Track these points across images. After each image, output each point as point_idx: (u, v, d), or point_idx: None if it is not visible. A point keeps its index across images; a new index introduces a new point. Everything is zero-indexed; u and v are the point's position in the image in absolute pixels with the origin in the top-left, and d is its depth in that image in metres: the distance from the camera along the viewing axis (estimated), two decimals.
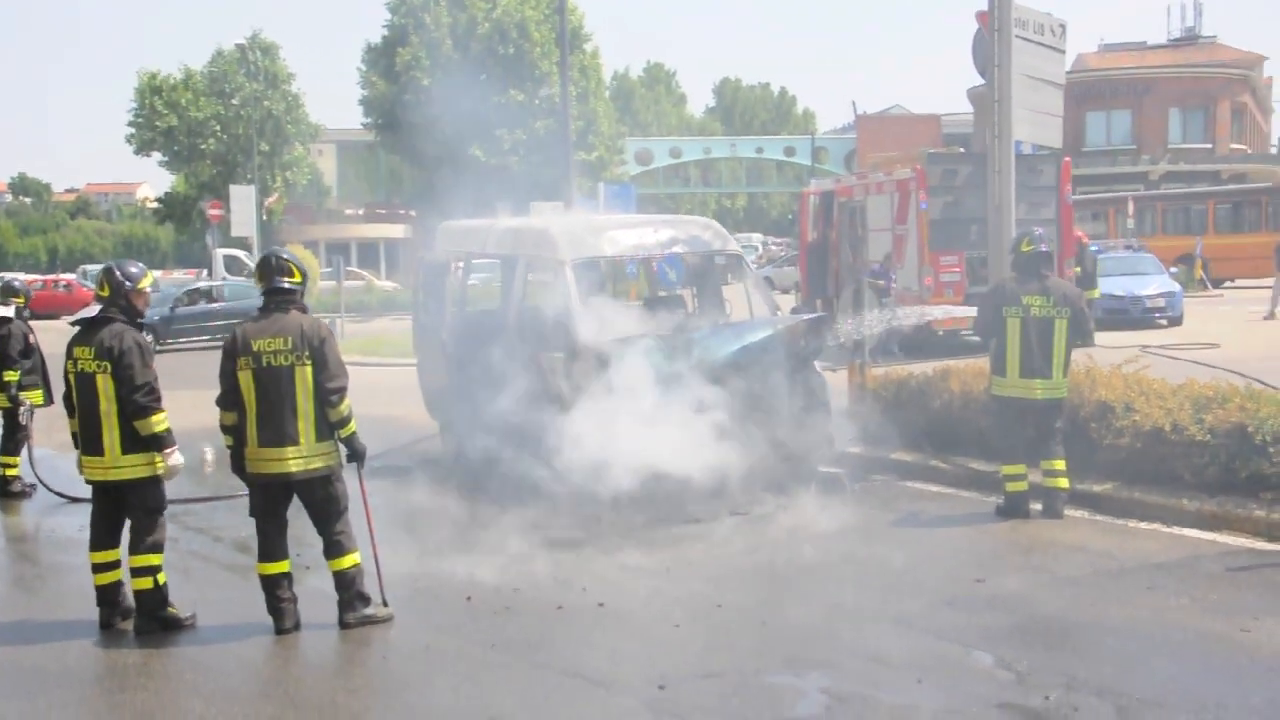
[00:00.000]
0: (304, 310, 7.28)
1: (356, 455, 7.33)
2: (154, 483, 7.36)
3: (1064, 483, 9.21)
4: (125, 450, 7.21)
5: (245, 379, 7.08)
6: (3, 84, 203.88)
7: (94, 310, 7.44)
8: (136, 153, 57.74)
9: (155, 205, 70.33)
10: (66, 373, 7.36)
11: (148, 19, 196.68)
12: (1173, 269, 28.49)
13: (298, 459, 7.04)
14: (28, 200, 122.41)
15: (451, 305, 12.64)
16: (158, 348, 26.77)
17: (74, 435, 7.46)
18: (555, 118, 56.47)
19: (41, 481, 11.59)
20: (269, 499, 7.21)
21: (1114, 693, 5.76)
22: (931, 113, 66.85)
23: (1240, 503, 8.71)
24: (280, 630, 7.08)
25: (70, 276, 55.49)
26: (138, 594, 7.28)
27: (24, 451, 11.88)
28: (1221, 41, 60.36)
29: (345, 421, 7.18)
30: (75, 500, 11.04)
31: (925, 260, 20.62)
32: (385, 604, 7.30)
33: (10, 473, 11.84)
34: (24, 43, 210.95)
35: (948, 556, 8.41)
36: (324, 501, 7.19)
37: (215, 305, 32.35)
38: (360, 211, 65.78)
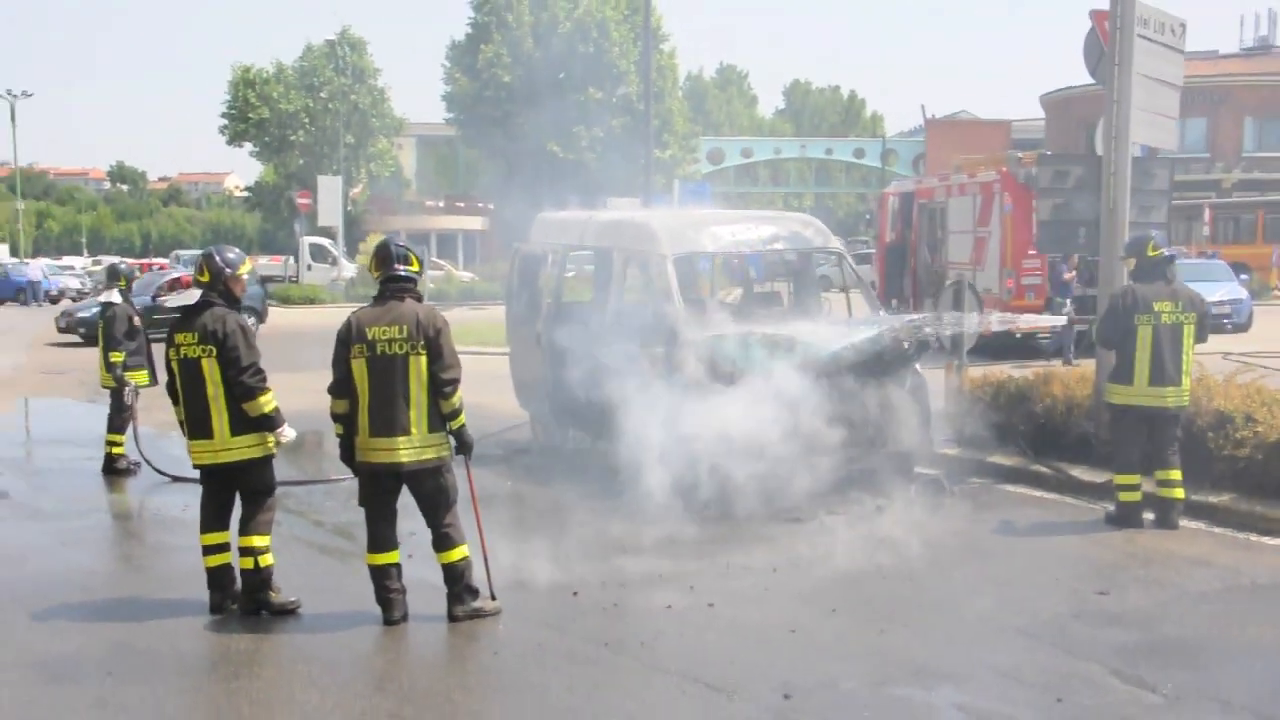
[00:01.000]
0: (419, 299, 6.95)
1: (465, 447, 6.99)
2: (264, 463, 7.12)
3: (1180, 493, 8.69)
4: (235, 432, 6.95)
5: (359, 367, 6.76)
6: (104, 77, 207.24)
7: (194, 296, 7.17)
8: (229, 143, 58.34)
9: (244, 194, 71.05)
10: (169, 360, 7.10)
11: (240, 14, 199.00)
12: (1243, 276, 27.76)
13: (409, 449, 6.71)
14: (124, 187, 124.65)
15: (547, 297, 12.30)
16: None
17: (181, 422, 7.21)
18: (632, 115, 56.48)
19: (146, 459, 11.46)
20: (379, 489, 6.89)
21: None
22: (1001, 118, 65.62)
23: None
24: (389, 621, 6.77)
25: (163, 261, 56.14)
26: (243, 574, 7.03)
27: (129, 430, 11.74)
28: None
29: (457, 413, 6.83)
30: (178, 479, 10.90)
31: (1008, 262, 20.07)
32: (493, 597, 6.97)
33: (116, 450, 11.69)
34: (123, 37, 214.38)
35: (1063, 566, 7.92)
36: (434, 493, 6.86)
37: None
38: (440, 204, 65.67)
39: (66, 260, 65.56)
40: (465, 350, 24.42)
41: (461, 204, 64.77)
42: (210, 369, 6.91)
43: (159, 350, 11.30)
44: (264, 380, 6.99)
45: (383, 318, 6.75)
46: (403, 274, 6.87)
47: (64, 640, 6.70)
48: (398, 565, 6.86)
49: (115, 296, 11.99)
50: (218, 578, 7.12)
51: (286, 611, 7.04)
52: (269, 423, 6.98)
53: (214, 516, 7.14)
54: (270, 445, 7.06)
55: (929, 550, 8.16)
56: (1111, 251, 10.14)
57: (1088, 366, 11.02)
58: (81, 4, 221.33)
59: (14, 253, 62.96)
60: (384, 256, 6.93)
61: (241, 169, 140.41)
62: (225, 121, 57.91)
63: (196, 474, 7.40)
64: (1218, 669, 5.98)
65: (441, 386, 6.73)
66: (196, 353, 6.93)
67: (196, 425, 7.00)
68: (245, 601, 7.03)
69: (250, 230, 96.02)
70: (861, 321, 10.17)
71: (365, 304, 7.08)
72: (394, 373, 6.68)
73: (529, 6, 56.98)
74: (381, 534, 6.85)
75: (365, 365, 6.72)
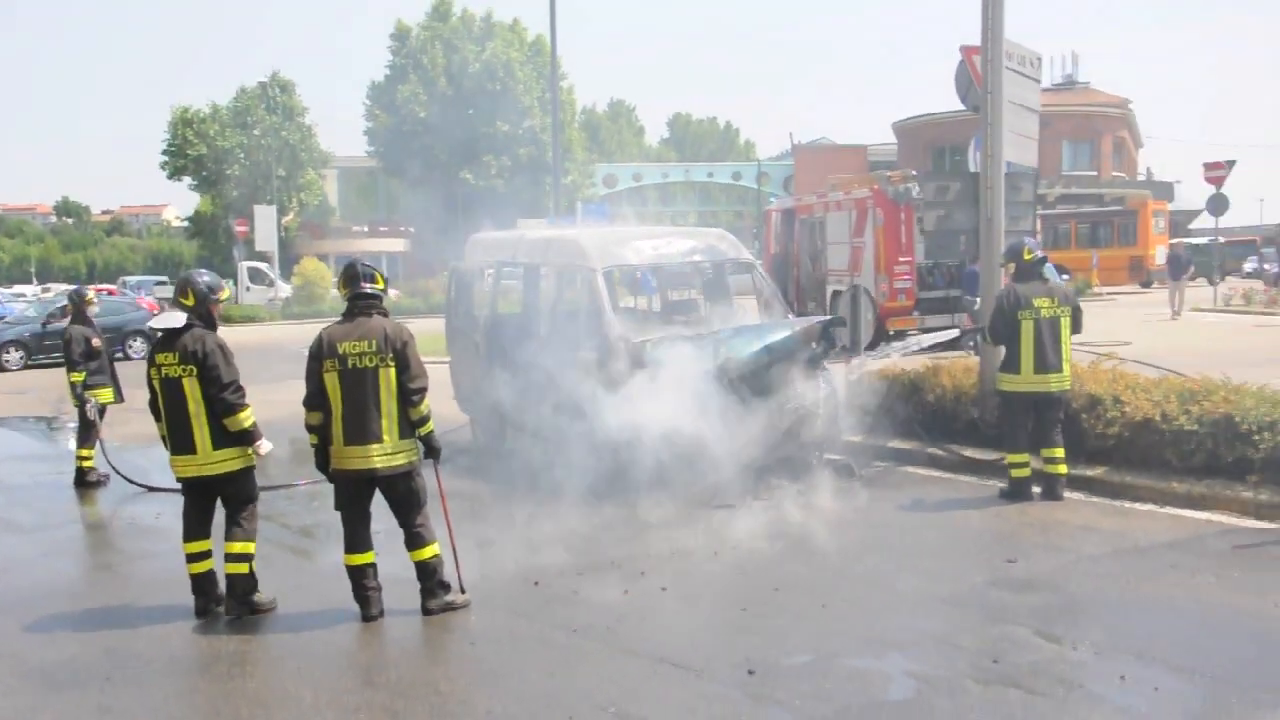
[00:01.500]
0: (385, 314, 6.59)
1: (434, 452, 6.66)
2: (247, 474, 6.69)
3: (1063, 469, 8.69)
4: (216, 446, 6.52)
5: (331, 380, 6.39)
6: (48, 117, 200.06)
7: (179, 319, 6.66)
8: (170, 178, 56.53)
9: (184, 224, 68.96)
10: (150, 379, 6.62)
11: (176, 58, 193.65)
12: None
13: (382, 455, 6.36)
14: (69, 220, 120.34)
15: (485, 309, 11.93)
16: (29, 363, 24.54)
17: (163, 438, 6.72)
18: (535, 145, 56.16)
19: (117, 471, 10.84)
20: (354, 494, 6.52)
21: (1184, 670, 5.20)
22: (857, 143, 66.40)
23: (1227, 485, 8.24)
24: (367, 617, 6.40)
25: (112, 287, 54.14)
26: (231, 579, 6.58)
27: (97, 444, 11.10)
28: (1094, 87, 60.45)
29: (425, 420, 6.49)
30: (152, 490, 10.37)
31: (882, 268, 20.15)
32: (463, 590, 6.64)
33: (86, 464, 11.04)
34: (66, 80, 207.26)
35: (971, 538, 7.84)
36: (406, 495, 6.51)
37: None
38: (365, 228, 64.48)
39: (17, 289, 62.98)
40: None
41: (384, 228, 63.66)
42: (191, 387, 6.47)
43: (124, 369, 10.86)
44: (243, 396, 6.57)
45: (353, 333, 6.40)
46: (369, 292, 6.53)
47: (59, 648, 6.21)
48: (373, 564, 6.49)
49: (64, 323, 11.42)
50: (201, 584, 6.68)
51: (265, 611, 6.63)
52: (248, 437, 6.57)
53: (197, 525, 6.68)
54: (251, 457, 6.64)
55: (850, 529, 8.03)
56: (991, 256, 10.14)
57: (971, 360, 11.00)
58: (21, 50, 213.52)
59: None
60: (351, 276, 6.58)
61: (179, 201, 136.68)
62: (166, 158, 56.05)
63: (167, 484, 6.92)
64: (1124, 624, 5.90)
65: (410, 395, 6.39)
66: (177, 372, 6.49)
67: (179, 441, 6.54)
68: (231, 606, 6.58)
69: (187, 257, 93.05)
70: (774, 324, 9.99)
71: (336, 319, 6.69)
72: (365, 384, 6.33)
73: (441, 50, 56.37)
74: (358, 536, 6.48)
75: (338, 378, 6.36)
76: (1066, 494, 8.70)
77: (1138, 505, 8.41)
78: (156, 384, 6.58)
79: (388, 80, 57.02)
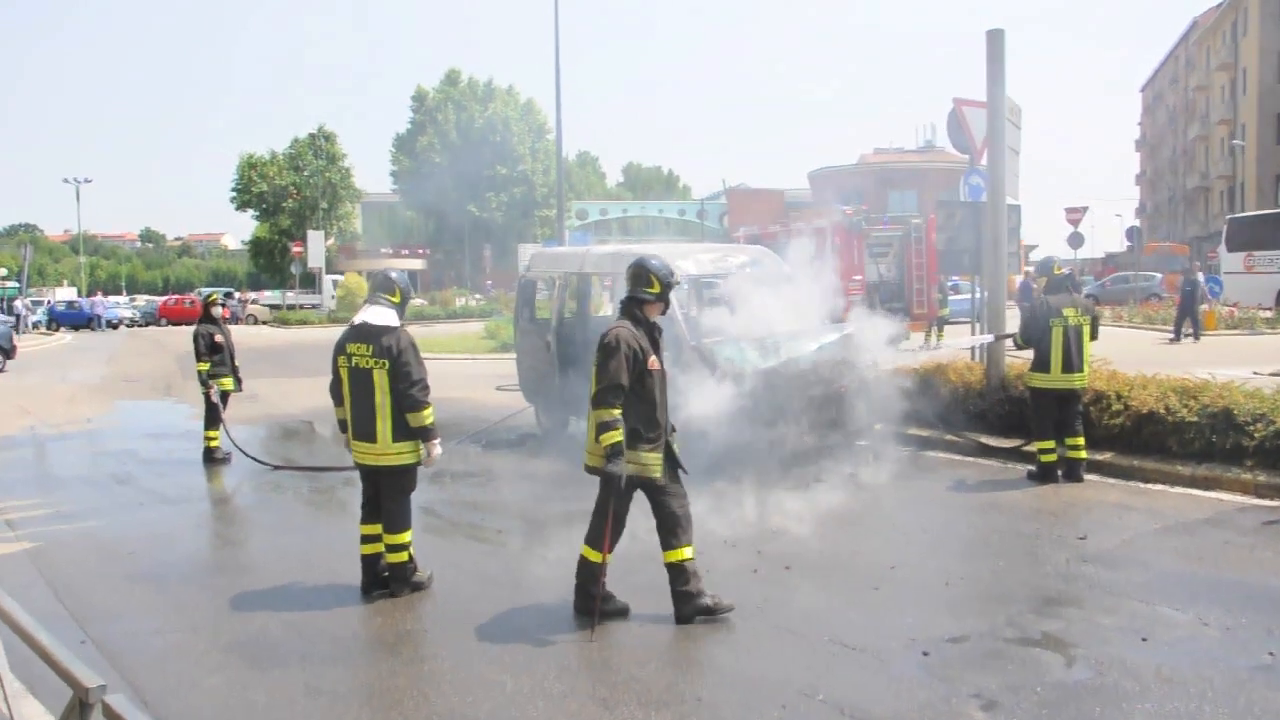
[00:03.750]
0: (635, 317, 5.00)
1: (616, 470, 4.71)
2: (414, 469, 5.54)
3: (1084, 454, 7.86)
4: (395, 439, 5.37)
5: None
6: (131, 162, 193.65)
7: (390, 316, 5.41)
8: (237, 209, 54.57)
9: (245, 246, 66.74)
10: (338, 366, 5.44)
11: (237, 113, 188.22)
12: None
13: (588, 451, 4.98)
14: (150, 245, 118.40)
15: (554, 313, 10.83)
16: None
17: (340, 421, 5.56)
18: (526, 185, 54.92)
19: (239, 449, 9.60)
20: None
21: None
22: (776, 187, 65.64)
23: (1226, 468, 7.44)
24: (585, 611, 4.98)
25: (191, 294, 52.66)
26: (395, 566, 5.47)
27: (221, 426, 9.86)
28: (948, 150, 60.59)
29: (605, 427, 4.68)
30: (278, 468, 9.16)
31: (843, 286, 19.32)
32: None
33: (213, 444, 9.81)
34: (144, 132, 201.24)
35: (1030, 517, 6.86)
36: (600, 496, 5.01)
37: None
38: (390, 250, 62.67)
39: (112, 299, 60.75)
40: (438, 357, 22.14)
41: (406, 250, 61.97)
42: (381, 380, 5.32)
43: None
44: (428, 395, 5.42)
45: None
46: (634, 295, 5.09)
47: (246, 623, 5.09)
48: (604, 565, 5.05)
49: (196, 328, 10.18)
50: (370, 563, 5.56)
51: (425, 587, 5.54)
52: (426, 433, 5.42)
53: (372, 510, 5.56)
54: (421, 453, 5.51)
55: (920, 508, 7.12)
56: (994, 272, 9.30)
57: (972, 360, 10.13)
58: (112, 110, 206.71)
59: (79, 294, 57.82)
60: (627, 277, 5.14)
61: (235, 229, 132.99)
62: (234, 193, 54.01)
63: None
64: (1230, 599, 4.97)
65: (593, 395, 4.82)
66: (369, 364, 5.33)
67: (361, 428, 5.39)
68: (396, 586, 5.48)
69: (241, 274, 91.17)
70: (824, 327, 9.05)
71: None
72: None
73: (452, 109, 54.91)
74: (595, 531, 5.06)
75: None
76: (1085, 476, 7.85)
77: (1150, 486, 7.59)
78: (344, 371, 5.41)
79: (409, 133, 55.49)
